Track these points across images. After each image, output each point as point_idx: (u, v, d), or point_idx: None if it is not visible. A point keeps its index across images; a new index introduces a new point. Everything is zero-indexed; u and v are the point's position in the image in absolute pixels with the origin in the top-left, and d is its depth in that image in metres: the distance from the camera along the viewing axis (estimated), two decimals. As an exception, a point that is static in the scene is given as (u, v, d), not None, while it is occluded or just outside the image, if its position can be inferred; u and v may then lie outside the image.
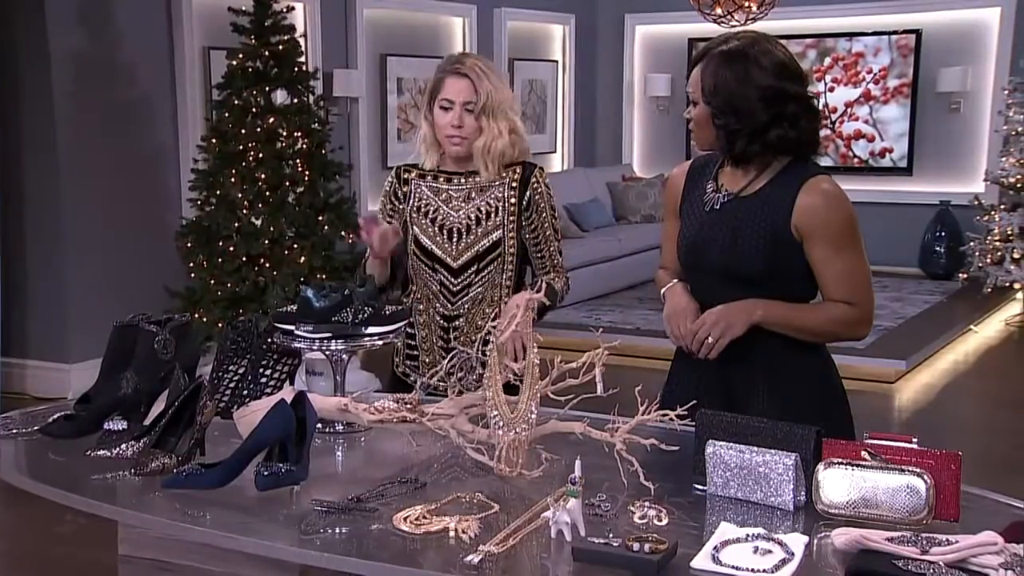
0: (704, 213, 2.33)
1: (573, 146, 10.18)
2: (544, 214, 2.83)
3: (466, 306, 2.80)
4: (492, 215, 2.79)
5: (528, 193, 2.80)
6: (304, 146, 5.85)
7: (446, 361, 2.16)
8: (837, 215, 2.23)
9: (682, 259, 2.40)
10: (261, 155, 5.70)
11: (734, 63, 2.21)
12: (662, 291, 2.44)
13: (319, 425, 2.10)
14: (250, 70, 5.77)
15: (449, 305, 2.81)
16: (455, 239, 2.79)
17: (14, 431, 2.23)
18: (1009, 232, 8.04)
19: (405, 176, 2.87)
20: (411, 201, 2.83)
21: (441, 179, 2.83)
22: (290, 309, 2.35)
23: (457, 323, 2.81)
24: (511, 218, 2.79)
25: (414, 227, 2.82)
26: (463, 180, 2.81)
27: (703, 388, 2.31)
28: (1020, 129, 8.02)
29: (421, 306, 2.83)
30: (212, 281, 5.76)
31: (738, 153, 2.25)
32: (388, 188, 2.89)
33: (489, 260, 2.80)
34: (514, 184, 2.80)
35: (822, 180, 2.24)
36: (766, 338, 2.26)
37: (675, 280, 2.41)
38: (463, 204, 2.80)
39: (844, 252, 2.24)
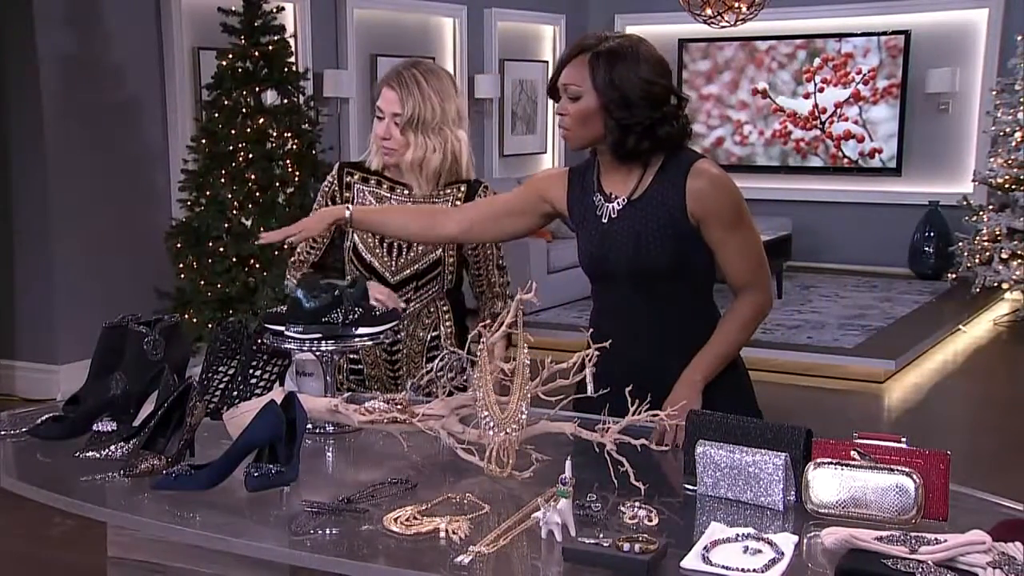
0: (602, 225, 2.34)
1: (563, 146, 10.17)
2: None
3: (404, 321, 2.70)
4: None
5: None
6: (294, 147, 5.84)
7: (437, 361, 2.15)
8: (725, 196, 2.29)
9: (586, 271, 2.42)
10: (251, 156, 5.69)
11: (626, 59, 2.24)
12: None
13: (309, 426, 2.10)
14: (240, 70, 5.76)
15: None
16: (395, 254, 2.73)
17: (2, 433, 2.22)
18: (997, 232, 8.07)
19: (347, 179, 2.78)
20: (354, 205, 2.71)
21: (384, 186, 2.76)
22: (280, 310, 2.34)
23: (399, 336, 2.59)
24: None
25: (354, 234, 2.74)
26: (405, 191, 2.74)
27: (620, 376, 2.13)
28: (1008, 130, 8.06)
29: None
30: (202, 282, 5.75)
31: (629, 149, 2.27)
32: (327, 188, 2.80)
33: (429, 279, 2.75)
34: (458, 202, 2.72)
35: (705, 163, 2.31)
36: (672, 349, 2.30)
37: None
38: None
39: (737, 230, 2.30)
